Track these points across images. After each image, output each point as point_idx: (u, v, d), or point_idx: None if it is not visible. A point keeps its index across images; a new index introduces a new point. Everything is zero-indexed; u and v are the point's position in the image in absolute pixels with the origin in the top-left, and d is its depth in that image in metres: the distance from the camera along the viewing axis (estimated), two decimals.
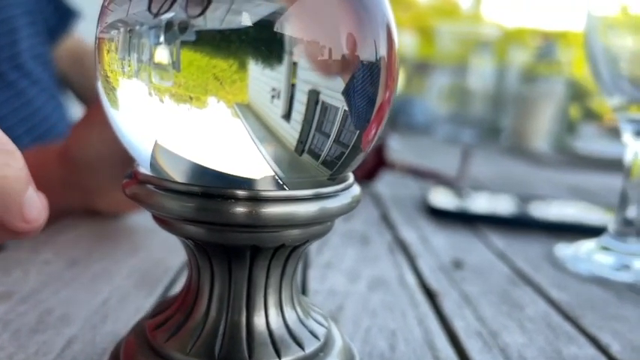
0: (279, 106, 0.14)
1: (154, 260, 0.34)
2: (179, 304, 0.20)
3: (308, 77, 0.14)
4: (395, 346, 0.25)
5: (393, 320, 0.28)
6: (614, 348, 0.27)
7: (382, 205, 0.55)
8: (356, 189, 0.19)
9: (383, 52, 0.16)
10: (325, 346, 0.20)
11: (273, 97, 0.14)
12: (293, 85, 0.14)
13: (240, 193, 0.16)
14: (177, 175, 0.17)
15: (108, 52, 0.16)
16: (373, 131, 0.18)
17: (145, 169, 0.18)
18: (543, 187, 0.77)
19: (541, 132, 1.20)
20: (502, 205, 0.55)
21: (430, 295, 0.32)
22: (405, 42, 1.12)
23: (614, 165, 1.06)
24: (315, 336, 0.19)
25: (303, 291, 0.31)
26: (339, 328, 0.22)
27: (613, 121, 1.50)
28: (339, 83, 0.15)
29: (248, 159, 0.15)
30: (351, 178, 0.20)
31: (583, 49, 0.43)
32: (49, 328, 0.25)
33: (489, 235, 0.47)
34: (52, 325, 0.25)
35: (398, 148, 1.01)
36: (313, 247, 0.39)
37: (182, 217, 0.17)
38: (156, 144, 0.16)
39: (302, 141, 0.15)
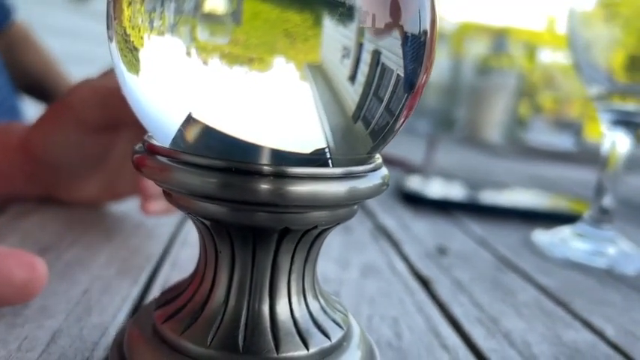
0: (348, 66, 0.13)
1: (131, 247, 0.32)
2: (191, 292, 0.18)
3: (372, 37, 0.13)
4: (400, 334, 0.25)
5: (393, 308, 0.27)
6: (609, 332, 0.28)
7: None
8: (384, 170, 0.18)
9: (426, 26, 0.15)
10: (347, 335, 0.19)
11: (343, 56, 0.12)
12: (361, 45, 0.13)
13: (267, 169, 0.15)
14: (206, 149, 0.15)
15: (130, 3, 0.13)
16: (408, 110, 0.17)
17: (161, 142, 0.16)
18: (498, 175, 0.79)
19: (493, 123, 1.23)
20: (470, 191, 0.55)
21: (423, 281, 0.32)
22: None
23: (562, 156, 1.10)
24: (339, 324, 0.18)
25: None
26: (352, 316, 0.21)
27: (556, 113, 1.56)
28: (397, 45, 0.13)
29: (306, 129, 0.14)
30: (379, 159, 0.19)
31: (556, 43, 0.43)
32: (29, 322, 0.23)
33: (465, 221, 0.47)
34: (31, 318, 0.23)
35: None
36: None
37: (203, 194, 0.15)
38: (189, 116, 0.14)
39: (360, 106, 0.14)
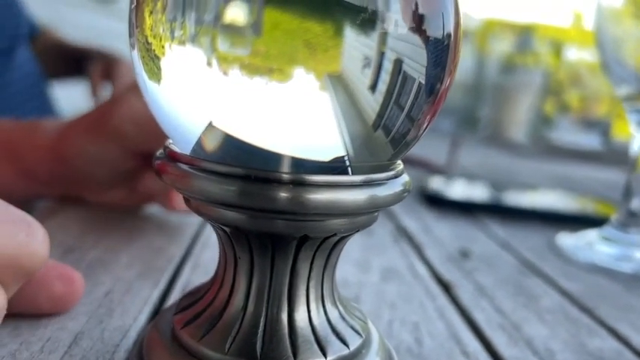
0: (369, 76, 0.12)
1: (153, 249, 0.32)
2: (210, 298, 0.18)
3: (394, 45, 0.12)
4: (421, 340, 0.24)
5: (414, 312, 0.27)
6: (635, 340, 0.27)
7: None
8: (406, 177, 0.18)
9: (450, 30, 0.15)
10: (367, 343, 0.18)
11: (364, 66, 0.12)
12: (382, 54, 0.12)
13: (286, 176, 0.15)
14: (221, 156, 0.15)
15: (151, 13, 0.14)
16: (431, 116, 0.17)
17: (182, 150, 0.16)
18: (523, 175, 0.78)
19: (518, 122, 1.21)
20: (493, 193, 0.55)
21: (444, 285, 0.31)
22: None
23: (589, 156, 1.07)
24: (357, 332, 0.18)
25: None
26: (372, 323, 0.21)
27: (583, 112, 1.53)
28: (421, 53, 0.13)
29: (325, 138, 0.14)
30: (401, 165, 0.18)
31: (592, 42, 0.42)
32: (52, 323, 0.23)
33: (489, 224, 0.46)
34: (54, 320, 0.23)
35: None
36: None
37: (223, 202, 0.15)
38: (210, 124, 0.14)
39: (381, 114, 0.13)
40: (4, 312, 0.19)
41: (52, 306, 0.23)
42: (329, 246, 0.17)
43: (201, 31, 0.12)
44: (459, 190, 0.54)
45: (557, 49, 1.43)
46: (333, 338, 0.17)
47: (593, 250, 0.40)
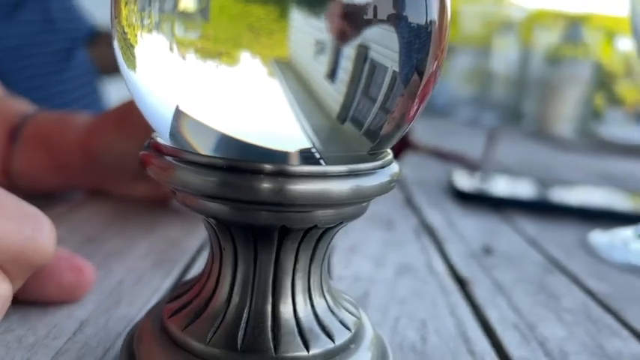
0: (324, 62, 0.12)
1: (170, 240, 0.33)
2: (198, 288, 0.18)
3: (354, 30, 0.12)
4: (426, 338, 0.24)
5: (423, 309, 0.27)
6: None
7: (406, 187, 0.53)
8: (395, 167, 0.18)
9: (434, 16, 0.14)
10: (356, 337, 0.18)
11: (317, 52, 0.12)
12: (340, 39, 0.12)
13: (268, 167, 0.15)
14: (200, 146, 0.15)
15: (126, 3, 0.14)
16: (419, 103, 0.16)
17: (164, 140, 0.16)
18: (567, 171, 0.75)
19: (565, 116, 1.17)
20: (527, 189, 0.53)
21: (461, 282, 0.30)
22: None
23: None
24: (346, 326, 0.18)
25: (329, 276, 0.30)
26: (369, 317, 0.20)
27: (636, 105, 1.46)
28: (391, 39, 0.13)
29: (283, 128, 0.13)
30: (389, 154, 0.18)
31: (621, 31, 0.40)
32: (60, 310, 0.24)
33: (518, 220, 0.44)
34: (63, 307, 0.24)
35: (417, 130, 0.98)
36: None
37: (204, 193, 0.15)
38: (177, 109, 0.14)
39: (346, 106, 0.13)
40: (9, 303, 0.20)
41: (62, 295, 0.24)
42: (314, 238, 0.17)
43: (163, 19, 0.13)
44: (491, 185, 0.52)
45: (609, 39, 1.37)
46: (318, 331, 0.17)
47: (627, 249, 0.38)
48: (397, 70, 0.13)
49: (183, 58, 0.13)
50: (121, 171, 0.37)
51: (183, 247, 0.32)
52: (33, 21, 0.60)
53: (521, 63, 1.26)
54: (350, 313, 0.19)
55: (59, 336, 0.22)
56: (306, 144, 0.14)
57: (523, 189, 0.52)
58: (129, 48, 0.14)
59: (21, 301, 0.23)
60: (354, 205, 0.17)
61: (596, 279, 0.33)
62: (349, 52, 0.12)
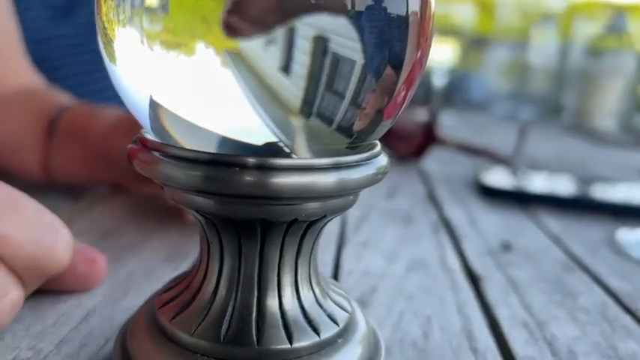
0: (276, 54, 0.12)
1: (185, 235, 0.33)
2: (188, 281, 0.18)
3: (313, 20, 0.12)
4: (429, 334, 0.23)
5: (430, 305, 0.26)
6: None
7: (430, 182, 0.53)
8: (382, 159, 0.17)
9: (415, 7, 0.14)
10: (345, 332, 0.18)
11: (267, 43, 0.12)
12: (292, 30, 0.12)
13: (250, 160, 0.15)
14: (182, 139, 0.15)
15: (105, 0, 0.14)
16: (402, 95, 0.16)
17: (149, 135, 0.16)
18: (607, 168, 0.72)
19: (607, 110, 1.13)
20: (560, 185, 0.51)
21: (473, 279, 0.30)
22: (463, 15, 1.06)
23: None
24: (334, 320, 0.18)
25: (336, 271, 0.30)
26: (364, 312, 0.20)
27: None
28: (356, 31, 0.12)
29: (243, 120, 0.13)
30: (377, 146, 0.18)
31: None
32: (70, 299, 0.24)
33: (544, 217, 0.43)
34: (73, 297, 0.25)
35: (451, 124, 0.97)
36: (351, 225, 0.37)
37: (187, 187, 0.15)
38: (151, 101, 0.14)
39: (308, 101, 0.13)
40: (19, 307, 0.21)
41: (77, 285, 0.25)
42: (299, 231, 0.17)
43: (134, 13, 0.13)
44: (516, 181, 0.51)
45: None
46: (303, 325, 0.17)
47: None
48: (365, 63, 0.13)
49: (152, 49, 0.13)
50: (135, 172, 0.38)
51: (196, 242, 0.32)
52: (85, 22, 0.62)
53: (560, 55, 1.22)
54: (341, 307, 0.19)
55: (65, 324, 0.22)
56: (271, 137, 0.14)
57: (552, 185, 0.51)
58: (109, 43, 0.14)
59: (37, 290, 0.24)
60: (339, 198, 0.17)
61: (618, 278, 0.32)
62: (304, 44, 0.12)
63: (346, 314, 0.18)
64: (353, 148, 0.16)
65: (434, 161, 0.62)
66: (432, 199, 0.47)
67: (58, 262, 0.21)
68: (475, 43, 1.30)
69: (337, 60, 0.13)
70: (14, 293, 0.20)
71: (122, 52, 0.14)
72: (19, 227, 0.20)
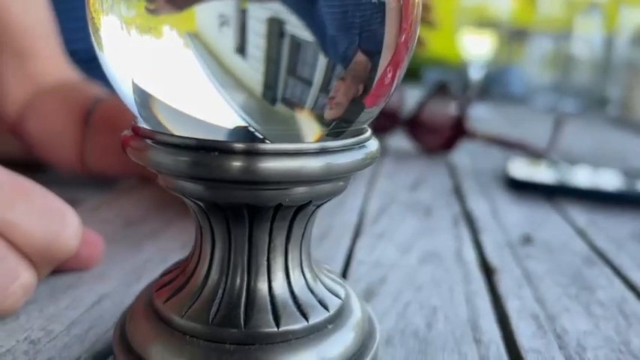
0: (230, 36, 0.12)
1: None
2: (184, 266, 0.19)
3: (267, 4, 0.12)
4: (432, 325, 0.23)
5: (438, 296, 0.26)
6: None
7: (457, 175, 0.52)
8: (373, 144, 0.17)
9: None
10: (337, 318, 0.18)
11: (221, 24, 0.12)
12: (243, 11, 0.12)
13: (237, 146, 0.15)
14: (168, 125, 0.16)
15: None
16: (387, 81, 0.16)
17: (141, 122, 0.17)
18: None
19: None
20: (592, 178, 0.49)
21: (487, 271, 0.29)
22: (500, 6, 1.04)
23: None
24: (325, 306, 0.18)
25: (348, 261, 0.30)
26: (362, 300, 0.20)
27: None
28: (313, 14, 0.12)
29: (213, 102, 0.14)
30: (367, 131, 0.18)
31: None
32: (85, 284, 0.25)
33: (572, 210, 0.42)
34: (88, 282, 0.26)
35: (487, 117, 0.95)
36: (369, 216, 0.37)
37: (175, 173, 0.16)
38: (134, 86, 0.15)
39: (270, 86, 0.13)
40: (32, 290, 0.22)
41: (77, 265, 0.26)
42: (287, 216, 0.17)
43: (115, 1, 0.13)
44: (545, 173, 0.50)
45: None
46: (292, 310, 0.17)
47: None
48: (327, 49, 0.13)
49: (129, 34, 0.13)
50: None
51: None
52: None
53: (605, 46, 1.17)
54: (333, 293, 0.19)
55: (77, 307, 0.23)
56: (239, 121, 0.14)
57: (583, 177, 0.49)
58: (97, 31, 0.15)
59: (51, 274, 0.25)
60: (327, 183, 0.17)
61: None
62: (257, 26, 0.12)
63: (339, 301, 0.19)
64: (338, 134, 0.16)
65: (464, 154, 0.61)
66: (457, 191, 0.46)
67: (68, 247, 0.22)
68: (514, 35, 1.27)
69: (297, 44, 0.13)
70: (26, 277, 0.21)
71: (107, 39, 0.14)
72: (28, 214, 0.21)
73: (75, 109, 0.43)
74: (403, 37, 0.15)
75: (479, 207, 0.41)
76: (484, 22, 0.97)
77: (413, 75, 1.50)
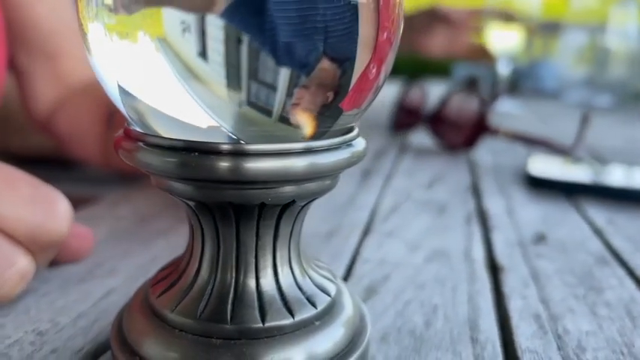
0: (192, 41, 0.13)
1: None
2: (179, 262, 0.19)
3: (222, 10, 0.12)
4: (430, 323, 0.23)
5: (440, 295, 0.26)
6: None
7: (476, 172, 0.51)
8: (360, 143, 0.18)
9: None
10: (325, 315, 0.18)
11: (184, 30, 0.12)
12: (202, 17, 0.12)
13: (224, 147, 0.15)
14: (155, 127, 0.16)
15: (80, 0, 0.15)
16: (368, 82, 0.16)
17: (131, 124, 0.17)
18: None
19: None
20: (615, 176, 0.48)
21: (494, 270, 0.29)
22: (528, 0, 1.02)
23: None
24: (312, 303, 0.18)
25: (353, 259, 0.30)
26: (353, 297, 0.20)
27: None
28: (267, 19, 0.13)
29: (186, 104, 0.14)
30: (354, 130, 0.18)
31: None
32: (95, 279, 0.26)
33: (591, 209, 0.41)
34: (98, 276, 0.26)
35: (516, 113, 0.93)
36: (380, 214, 0.37)
37: (164, 174, 0.16)
38: (119, 88, 0.15)
39: (234, 89, 0.13)
40: (31, 276, 0.22)
41: (69, 257, 0.27)
42: (273, 215, 0.17)
43: (98, 10, 0.14)
44: (566, 171, 0.49)
45: None
46: (279, 306, 0.18)
47: None
48: (283, 57, 0.13)
49: (112, 40, 0.14)
50: None
51: None
52: None
53: None
54: (322, 291, 0.19)
55: (86, 301, 0.24)
56: (211, 121, 0.14)
57: (606, 175, 0.48)
58: (85, 36, 0.16)
59: (64, 270, 0.26)
60: (312, 182, 0.17)
61: None
62: (215, 32, 0.12)
63: (327, 298, 0.19)
64: (321, 134, 0.16)
65: (486, 151, 0.61)
66: (474, 189, 0.46)
67: (58, 230, 0.23)
68: (544, 29, 1.24)
69: (255, 50, 0.13)
70: (22, 264, 0.22)
71: (94, 44, 0.15)
72: (14, 202, 0.21)
73: (99, 110, 0.45)
74: (385, 34, 0.15)
75: (494, 205, 0.41)
76: (511, 16, 0.95)
77: (442, 71, 1.48)
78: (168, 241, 0.31)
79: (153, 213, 0.36)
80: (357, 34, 0.14)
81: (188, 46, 0.13)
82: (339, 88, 0.15)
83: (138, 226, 0.33)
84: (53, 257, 0.24)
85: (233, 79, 0.13)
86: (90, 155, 0.50)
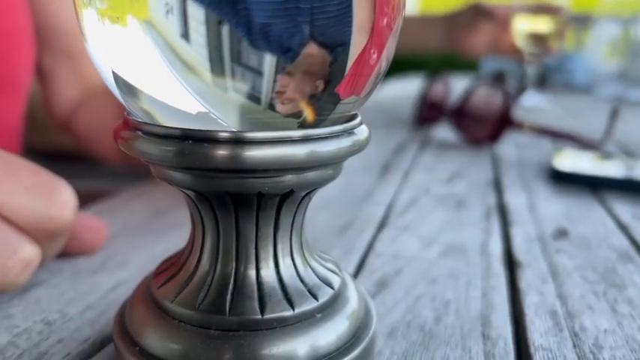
0: (175, 23, 0.12)
1: None
2: (181, 253, 0.19)
3: None
4: (441, 318, 0.23)
5: (453, 290, 0.25)
6: None
7: (499, 167, 0.50)
8: (362, 131, 0.17)
9: None
10: (327, 307, 0.18)
11: (167, 12, 0.12)
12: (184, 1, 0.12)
13: (222, 135, 0.15)
14: (152, 115, 0.16)
15: None
16: (367, 68, 0.15)
17: (130, 112, 0.17)
18: None
19: None
20: (624, 169, 0.46)
21: (511, 265, 0.28)
22: None
23: None
24: (314, 295, 0.18)
25: (367, 253, 0.29)
26: (359, 290, 0.20)
27: None
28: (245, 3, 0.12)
29: (175, 89, 0.14)
30: (356, 118, 0.17)
31: None
32: (106, 271, 0.26)
33: (617, 204, 0.40)
34: (109, 268, 0.27)
35: (545, 108, 0.91)
36: (396, 208, 0.37)
37: (162, 163, 0.16)
38: (114, 74, 0.15)
39: (217, 72, 0.13)
40: (37, 264, 0.22)
41: (83, 250, 0.27)
42: (272, 205, 0.17)
43: None
44: (589, 165, 0.47)
45: None
46: (279, 298, 0.17)
47: None
48: (260, 40, 0.13)
49: (104, 25, 0.14)
50: None
51: None
52: None
53: None
54: (326, 283, 0.19)
55: (95, 292, 0.24)
56: (199, 107, 0.14)
57: (633, 170, 0.46)
58: (81, 23, 0.15)
59: (76, 261, 0.26)
60: (312, 170, 0.16)
61: None
62: (196, 13, 0.12)
63: (331, 290, 0.18)
64: (318, 122, 0.16)
65: (510, 146, 0.59)
66: (496, 183, 0.44)
67: (62, 217, 0.23)
68: (575, 21, 1.20)
69: (237, 35, 0.13)
70: (26, 251, 0.21)
71: (88, 30, 0.15)
72: (16, 190, 0.21)
73: (118, 108, 0.45)
74: (384, 20, 0.15)
75: (516, 199, 0.40)
76: (540, 8, 0.92)
77: (470, 65, 1.46)
78: (180, 234, 0.31)
79: (168, 207, 0.36)
80: (351, 17, 0.14)
81: (172, 27, 0.12)
82: (331, 76, 0.14)
83: (152, 219, 0.34)
84: (62, 246, 0.25)
85: (216, 62, 0.13)
86: (107, 153, 0.51)
